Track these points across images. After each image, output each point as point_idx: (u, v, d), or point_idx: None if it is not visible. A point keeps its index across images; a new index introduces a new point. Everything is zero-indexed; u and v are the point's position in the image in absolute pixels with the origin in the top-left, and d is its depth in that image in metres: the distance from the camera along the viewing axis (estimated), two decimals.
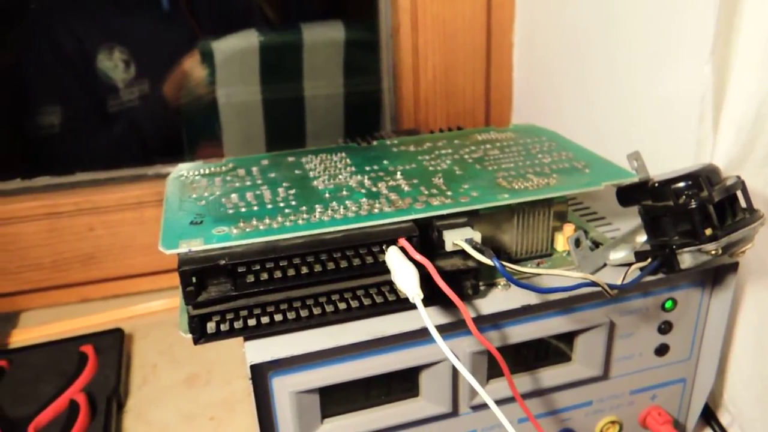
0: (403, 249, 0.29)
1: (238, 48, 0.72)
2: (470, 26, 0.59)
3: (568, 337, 0.34)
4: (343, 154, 0.38)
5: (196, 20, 0.78)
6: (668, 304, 0.35)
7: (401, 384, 0.33)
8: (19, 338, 0.52)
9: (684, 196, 0.30)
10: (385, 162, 0.37)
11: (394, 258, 0.28)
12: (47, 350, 0.48)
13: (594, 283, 0.29)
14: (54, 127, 0.74)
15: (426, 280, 0.28)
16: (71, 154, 0.76)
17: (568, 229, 0.34)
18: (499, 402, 0.28)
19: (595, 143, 0.38)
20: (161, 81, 0.74)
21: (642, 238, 0.34)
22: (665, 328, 0.35)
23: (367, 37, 0.72)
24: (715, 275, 0.35)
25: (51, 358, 0.47)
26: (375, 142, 0.40)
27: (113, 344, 0.49)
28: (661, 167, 0.34)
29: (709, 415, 0.40)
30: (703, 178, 0.30)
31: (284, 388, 0.30)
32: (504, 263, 0.28)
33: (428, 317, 0.26)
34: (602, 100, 0.48)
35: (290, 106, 0.75)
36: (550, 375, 0.34)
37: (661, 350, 0.36)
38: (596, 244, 0.34)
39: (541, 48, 0.57)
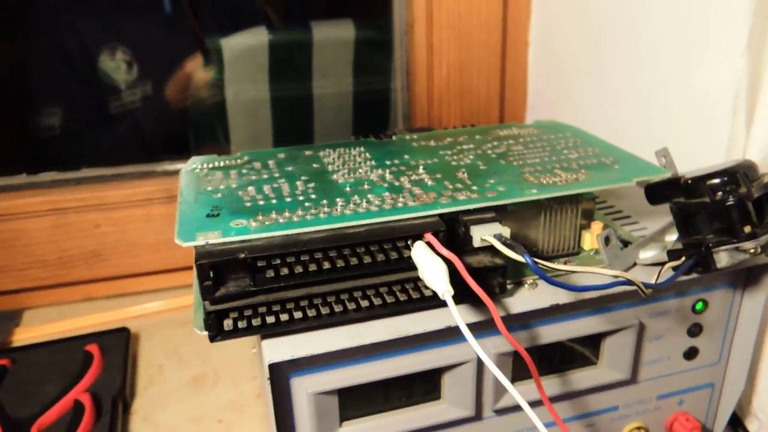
0: (429, 244, 0.27)
1: (247, 45, 0.71)
2: (485, 23, 0.58)
3: (596, 339, 0.33)
4: (362, 149, 0.37)
5: (199, 22, 0.77)
6: (699, 306, 0.34)
7: (423, 386, 0.31)
8: (23, 337, 0.51)
9: (721, 193, 0.29)
10: (406, 156, 0.35)
11: (422, 254, 0.27)
12: (51, 349, 0.47)
13: (629, 282, 0.27)
14: (54, 129, 0.73)
15: (450, 278, 0.27)
16: (72, 155, 0.75)
17: (596, 227, 0.33)
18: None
19: (615, 141, 0.37)
20: (163, 82, 0.73)
21: (672, 236, 0.33)
22: (695, 330, 0.34)
23: (377, 35, 0.71)
24: (747, 276, 0.34)
25: (55, 357, 0.46)
26: (394, 137, 0.39)
27: (119, 344, 0.47)
28: (688, 164, 0.33)
29: (736, 422, 0.39)
30: (740, 174, 0.29)
31: (303, 388, 0.28)
32: (536, 260, 0.27)
33: (459, 315, 0.25)
34: (624, 97, 0.47)
35: (299, 105, 0.74)
36: (576, 378, 0.33)
37: (690, 354, 0.35)
38: (625, 243, 0.33)
39: (558, 45, 0.56)
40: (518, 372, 0.32)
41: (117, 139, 0.75)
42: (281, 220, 0.28)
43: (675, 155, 0.33)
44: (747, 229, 0.28)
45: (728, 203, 0.28)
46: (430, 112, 0.60)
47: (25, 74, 0.73)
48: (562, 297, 0.30)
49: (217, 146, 0.75)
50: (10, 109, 0.74)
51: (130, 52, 0.73)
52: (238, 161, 0.36)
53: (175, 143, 0.77)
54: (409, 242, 0.28)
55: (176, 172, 0.56)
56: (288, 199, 0.30)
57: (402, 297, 0.29)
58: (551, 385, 0.33)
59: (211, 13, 0.78)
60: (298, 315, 0.28)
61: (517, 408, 0.32)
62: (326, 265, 0.27)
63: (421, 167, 0.34)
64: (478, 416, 0.32)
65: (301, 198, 0.30)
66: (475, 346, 0.25)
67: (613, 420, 0.35)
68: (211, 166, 0.35)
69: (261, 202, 0.30)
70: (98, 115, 0.75)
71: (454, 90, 0.59)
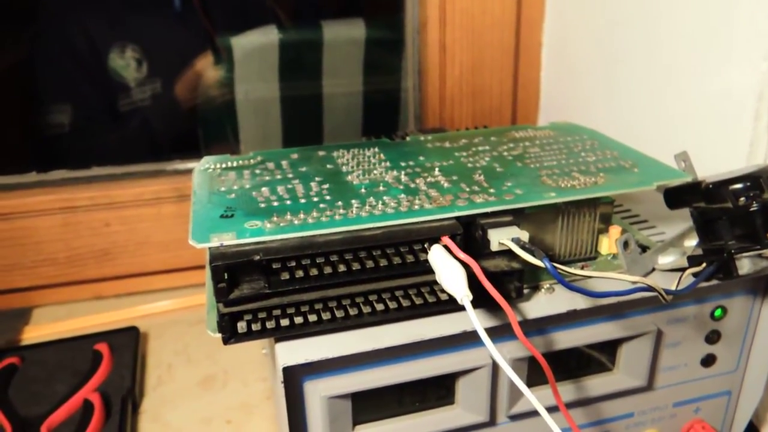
0: (446, 248, 0.27)
1: (257, 44, 0.70)
2: (499, 23, 0.57)
3: (612, 345, 0.33)
4: (376, 149, 0.37)
5: (210, 20, 0.77)
6: (717, 313, 0.33)
7: (437, 391, 0.31)
8: (32, 335, 0.51)
9: (743, 198, 0.28)
10: (421, 158, 0.35)
11: (439, 257, 0.26)
12: (60, 348, 0.47)
13: (649, 288, 0.27)
14: (63, 126, 0.73)
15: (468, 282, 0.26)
16: (82, 153, 0.75)
17: (614, 231, 0.33)
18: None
19: (630, 144, 0.37)
20: (173, 81, 0.73)
21: (692, 242, 0.33)
22: (713, 337, 0.34)
23: (388, 35, 0.70)
24: (767, 283, 0.33)
25: (64, 355, 0.46)
26: (408, 138, 0.39)
27: (128, 343, 0.47)
28: (707, 169, 0.32)
29: (753, 431, 0.38)
30: (764, 179, 0.28)
31: (316, 392, 0.28)
32: (555, 265, 0.26)
33: (477, 320, 0.25)
34: (640, 99, 0.46)
35: (309, 104, 0.74)
36: (592, 384, 0.33)
37: (708, 361, 0.34)
38: (643, 248, 0.33)
39: (572, 46, 0.55)
40: (533, 377, 0.31)
41: (126, 137, 0.75)
42: (296, 222, 0.28)
43: (693, 159, 0.33)
44: None
45: (751, 209, 0.28)
46: (441, 112, 0.60)
47: (35, 72, 0.73)
48: (580, 302, 0.30)
49: (226, 145, 0.75)
50: (20, 106, 0.74)
51: (140, 50, 0.72)
52: (251, 161, 0.35)
53: (185, 142, 0.77)
54: (425, 245, 0.28)
55: (186, 171, 0.56)
56: (302, 201, 0.30)
57: (418, 301, 0.28)
58: (566, 390, 0.32)
59: (221, 11, 0.78)
60: (312, 318, 0.27)
61: (531, 414, 0.32)
62: (341, 267, 0.27)
63: (436, 169, 0.33)
64: (492, 422, 0.32)
65: (315, 199, 0.30)
66: (493, 352, 0.25)
67: (629, 427, 0.35)
68: (224, 165, 0.35)
69: (275, 203, 0.30)
70: (108, 113, 0.75)
71: (467, 90, 0.59)
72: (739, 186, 0.28)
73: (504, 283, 0.29)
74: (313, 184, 0.32)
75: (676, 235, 0.33)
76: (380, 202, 0.29)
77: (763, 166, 0.29)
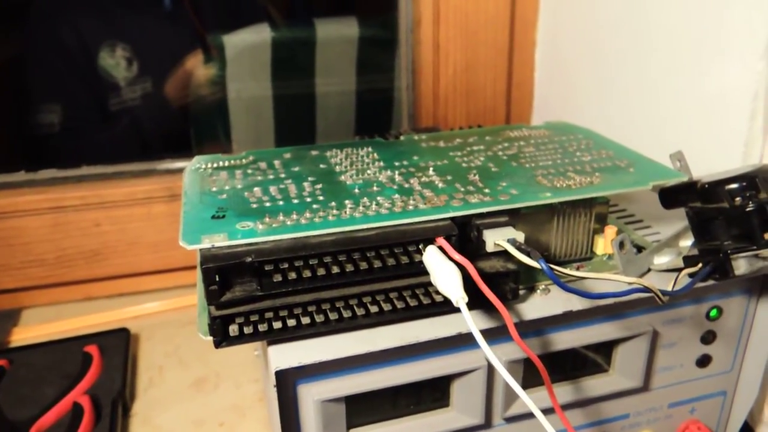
0: (441, 249, 0.27)
1: (249, 42, 0.70)
2: (493, 22, 0.57)
3: (608, 346, 0.32)
4: (370, 149, 0.36)
5: (200, 18, 0.76)
6: (713, 313, 0.33)
7: (431, 393, 0.31)
8: (21, 337, 0.50)
9: (740, 198, 0.28)
10: (415, 157, 0.35)
11: (434, 258, 0.26)
12: (50, 350, 0.46)
13: (646, 289, 0.27)
14: (54, 126, 0.72)
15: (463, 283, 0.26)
16: (71, 153, 0.74)
17: (610, 231, 0.32)
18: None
19: (623, 143, 0.37)
20: (164, 79, 0.73)
21: (687, 242, 0.32)
22: (708, 337, 0.34)
23: (381, 33, 0.70)
24: (763, 283, 0.33)
25: (53, 358, 0.45)
26: (402, 137, 0.39)
27: (118, 345, 0.47)
28: (701, 169, 0.32)
29: (748, 431, 0.38)
30: (760, 179, 0.28)
31: (310, 396, 0.28)
32: (551, 266, 0.26)
33: (472, 322, 0.24)
34: (633, 99, 0.46)
35: (301, 103, 0.74)
36: (587, 386, 0.33)
37: (703, 361, 0.34)
38: (638, 248, 0.33)
39: (566, 46, 0.55)
40: (529, 379, 0.31)
41: (116, 137, 0.74)
42: (289, 223, 0.27)
43: (688, 159, 0.33)
44: (767, 235, 0.27)
45: (748, 209, 0.28)
46: (435, 111, 0.59)
47: (25, 71, 0.72)
48: (576, 303, 0.29)
49: (218, 144, 0.74)
50: (9, 105, 0.73)
51: (130, 49, 0.72)
52: (243, 161, 0.35)
53: (176, 141, 0.76)
54: (420, 246, 0.27)
55: (177, 171, 0.56)
56: (295, 201, 0.30)
57: (412, 302, 0.28)
58: (562, 392, 0.32)
59: (212, 9, 0.78)
60: (305, 320, 0.27)
61: (526, 416, 0.32)
62: (335, 269, 0.27)
63: (431, 169, 0.33)
64: (487, 424, 0.31)
65: (308, 200, 0.30)
66: (489, 354, 0.24)
67: (624, 428, 0.35)
68: (215, 165, 0.35)
69: (267, 204, 0.29)
70: (98, 112, 0.74)
71: (461, 89, 0.59)
72: (735, 186, 0.28)
73: (499, 285, 0.28)
74: (305, 184, 0.32)
75: (672, 235, 0.33)
76: (374, 202, 0.29)
77: (759, 166, 0.29)
